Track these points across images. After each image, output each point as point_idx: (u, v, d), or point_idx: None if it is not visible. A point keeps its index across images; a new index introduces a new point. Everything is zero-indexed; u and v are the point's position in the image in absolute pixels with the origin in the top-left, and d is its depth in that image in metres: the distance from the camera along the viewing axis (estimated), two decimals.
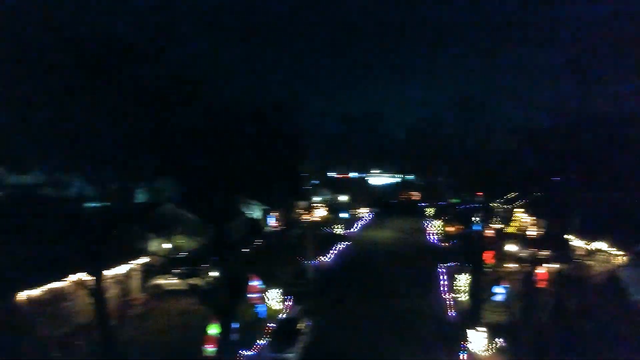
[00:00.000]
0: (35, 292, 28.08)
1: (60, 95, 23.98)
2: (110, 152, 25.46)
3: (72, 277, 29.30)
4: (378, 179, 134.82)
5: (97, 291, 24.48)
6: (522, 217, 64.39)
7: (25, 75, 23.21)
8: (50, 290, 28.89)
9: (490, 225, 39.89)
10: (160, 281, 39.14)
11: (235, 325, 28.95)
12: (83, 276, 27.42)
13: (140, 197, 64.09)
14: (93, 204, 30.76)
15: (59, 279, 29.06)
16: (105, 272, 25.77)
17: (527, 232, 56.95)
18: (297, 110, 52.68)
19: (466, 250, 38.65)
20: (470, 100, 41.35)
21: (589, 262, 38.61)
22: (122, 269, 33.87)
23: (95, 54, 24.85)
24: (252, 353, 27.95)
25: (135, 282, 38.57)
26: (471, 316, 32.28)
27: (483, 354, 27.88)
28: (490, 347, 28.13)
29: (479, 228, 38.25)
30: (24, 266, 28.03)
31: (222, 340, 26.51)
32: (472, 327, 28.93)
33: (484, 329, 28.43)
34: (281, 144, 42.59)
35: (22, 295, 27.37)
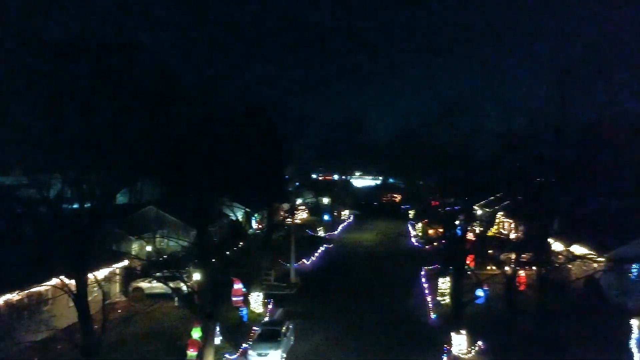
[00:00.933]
0: (15, 296, 27.68)
1: (41, 96, 23.77)
2: (90, 153, 25.21)
3: (53, 281, 29.00)
4: (360, 181, 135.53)
5: (79, 295, 24.19)
6: (503, 220, 65.05)
7: (7, 77, 22.97)
8: (31, 294, 28.50)
9: (472, 228, 40.13)
10: (142, 284, 38.82)
11: (218, 328, 28.87)
12: (64, 279, 27.19)
13: (122, 199, 63.77)
14: (74, 206, 30.38)
15: (39, 283, 28.68)
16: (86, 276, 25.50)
17: (508, 235, 57.52)
18: (281, 112, 52.65)
19: (447, 253, 38.87)
20: (452, 104, 41.62)
21: (568, 266, 39.05)
22: (102, 272, 33.46)
23: (78, 55, 24.67)
24: (235, 356, 27.89)
25: (117, 286, 38.25)
26: (453, 319, 32.56)
27: (464, 356, 28.11)
28: (471, 349, 28.38)
29: (461, 231, 38.46)
30: (3, 269, 27.65)
31: (205, 344, 26.36)
32: (454, 329, 29.16)
33: (465, 332, 28.65)
34: (264, 146, 42.50)
35: (1, 300, 26.98)
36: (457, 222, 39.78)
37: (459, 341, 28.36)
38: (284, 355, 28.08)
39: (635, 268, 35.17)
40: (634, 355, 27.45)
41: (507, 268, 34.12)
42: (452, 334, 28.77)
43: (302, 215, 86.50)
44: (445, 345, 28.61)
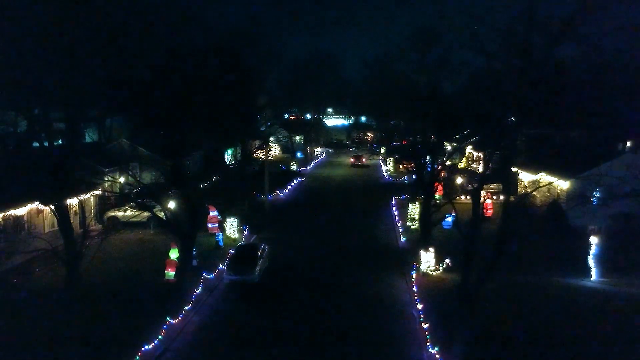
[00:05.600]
0: None
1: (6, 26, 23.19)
2: (57, 88, 24.92)
3: (30, 206, 29.22)
4: (333, 120, 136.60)
5: (59, 206, 24.49)
6: (472, 153, 66.58)
7: None
8: (7, 217, 28.57)
9: (442, 161, 41.11)
10: (117, 213, 39.13)
11: (195, 251, 29.58)
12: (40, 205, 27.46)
13: (93, 137, 63.13)
14: (44, 143, 30.30)
15: (15, 207, 28.81)
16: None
17: (477, 167, 59.07)
18: (254, 46, 52.22)
19: (418, 183, 39.98)
20: (424, 34, 41.84)
21: (533, 193, 40.58)
22: (76, 201, 33.56)
23: None
24: (212, 275, 28.68)
25: (91, 214, 38.37)
26: (421, 240, 33.82)
27: (432, 272, 29.41)
28: (439, 266, 29.70)
29: (431, 165, 39.43)
30: None
31: (182, 265, 27.02)
32: (422, 247, 30.40)
33: (433, 249, 29.88)
34: (238, 78, 42.21)
35: None
36: (427, 156, 40.70)
37: (428, 258, 29.59)
38: (259, 275, 28.79)
39: (596, 192, 36.64)
40: (591, 269, 29.21)
41: (473, 196, 35.40)
42: (421, 251, 29.97)
43: (275, 152, 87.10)
44: (414, 263, 29.86)
